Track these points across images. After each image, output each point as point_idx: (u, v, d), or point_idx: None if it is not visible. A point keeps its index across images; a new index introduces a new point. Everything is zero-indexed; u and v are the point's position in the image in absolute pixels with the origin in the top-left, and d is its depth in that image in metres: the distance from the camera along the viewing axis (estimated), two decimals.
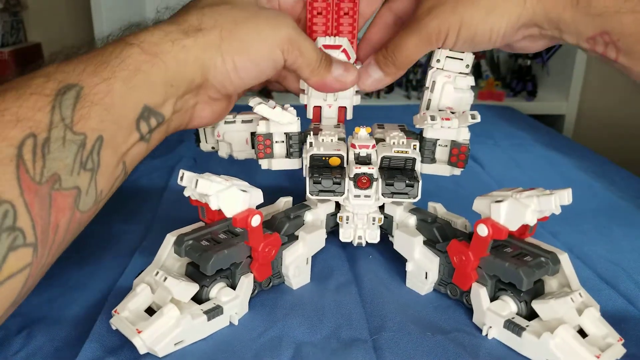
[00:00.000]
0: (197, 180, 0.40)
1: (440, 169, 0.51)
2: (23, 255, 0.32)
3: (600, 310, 0.40)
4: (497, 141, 0.97)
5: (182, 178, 0.42)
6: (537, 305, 0.40)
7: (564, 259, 0.42)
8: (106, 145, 0.36)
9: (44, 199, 0.33)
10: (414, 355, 0.39)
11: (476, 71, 1.54)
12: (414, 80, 1.44)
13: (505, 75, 1.54)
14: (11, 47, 1.38)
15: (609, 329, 0.39)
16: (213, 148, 0.55)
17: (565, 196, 0.40)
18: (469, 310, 0.45)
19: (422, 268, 0.47)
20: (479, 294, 0.42)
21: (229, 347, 0.40)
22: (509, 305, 0.41)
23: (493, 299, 0.42)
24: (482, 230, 0.40)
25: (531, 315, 0.41)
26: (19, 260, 0.32)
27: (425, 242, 0.47)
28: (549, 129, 1.15)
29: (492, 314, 0.41)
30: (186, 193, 0.43)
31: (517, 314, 0.41)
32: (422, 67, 1.46)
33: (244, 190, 0.41)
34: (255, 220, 0.41)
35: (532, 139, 1.00)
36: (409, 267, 0.48)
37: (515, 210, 0.39)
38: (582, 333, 0.39)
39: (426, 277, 0.47)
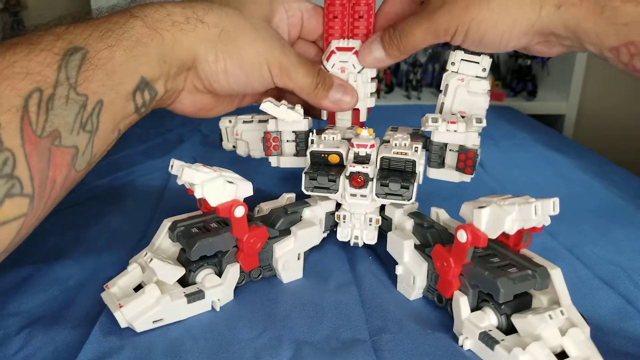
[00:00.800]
0: (183, 168, 0.42)
1: (449, 174, 0.50)
2: (19, 204, 0.33)
3: (600, 309, 0.40)
4: (497, 141, 0.97)
5: (172, 167, 0.44)
6: (515, 319, 0.38)
7: (555, 273, 0.39)
8: (105, 110, 0.38)
9: (44, 153, 0.34)
10: (414, 356, 0.39)
11: None
12: (414, 80, 1.44)
13: (505, 75, 1.54)
14: None
15: (592, 352, 0.36)
16: (234, 147, 0.57)
17: (550, 206, 0.38)
18: None
19: (411, 272, 0.46)
20: (459, 303, 0.41)
21: (229, 346, 0.40)
22: (488, 317, 0.40)
23: (476, 309, 0.41)
24: (462, 236, 0.39)
25: (512, 330, 0.39)
26: (15, 208, 0.33)
27: (416, 247, 0.46)
28: (549, 129, 1.15)
29: (470, 324, 0.40)
30: (179, 182, 0.44)
31: (498, 327, 0.40)
32: (422, 67, 1.46)
33: (230, 182, 0.43)
34: (239, 211, 0.43)
35: (532, 139, 1.00)
36: (398, 270, 0.47)
37: (496, 217, 0.38)
38: (564, 354, 0.37)
39: (414, 282, 0.46)
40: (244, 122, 0.55)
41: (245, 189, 0.44)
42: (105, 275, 0.50)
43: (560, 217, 0.62)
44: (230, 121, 0.56)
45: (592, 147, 1.01)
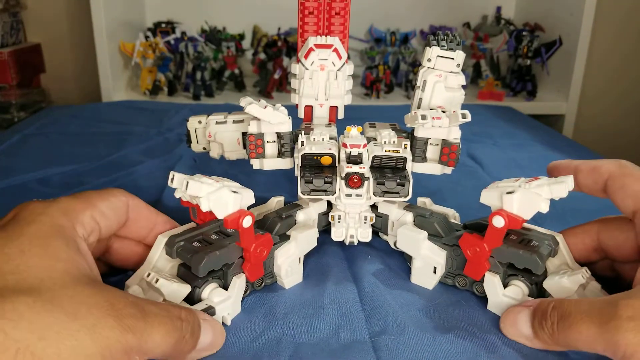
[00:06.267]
0: (187, 182, 0.40)
1: (432, 168, 0.51)
2: None
3: None
4: (497, 141, 0.97)
5: (172, 180, 0.42)
6: (549, 285, 0.42)
7: (561, 240, 0.45)
8: None
9: None
10: (414, 357, 0.39)
11: (476, 71, 1.54)
12: (414, 80, 1.44)
13: (505, 75, 1.54)
14: (11, 47, 1.39)
15: None
16: (204, 149, 0.55)
17: (570, 183, 0.42)
18: (469, 308, 0.45)
19: (430, 263, 0.47)
20: (494, 283, 0.44)
21: (228, 347, 0.40)
22: (521, 290, 0.43)
23: (503, 285, 0.44)
24: (499, 222, 0.41)
25: (540, 295, 0.43)
26: None
27: (427, 237, 0.48)
28: (549, 129, 1.15)
29: (509, 299, 0.43)
30: (177, 195, 0.42)
31: (529, 295, 0.43)
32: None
33: (234, 192, 0.41)
34: (247, 221, 0.41)
35: (532, 139, 1.00)
36: (416, 263, 0.48)
37: (529, 200, 0.41)
38: None
39: (434, 272, 0.47)
40: (217, 122, 0.52)
41: (248, 197, 0.43)
42: (102, 276, 0.50)
43: (560, 217, 0.62)
44: (200, 122, 0.53)
45: (592, 147, 1.01)
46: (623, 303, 0.33)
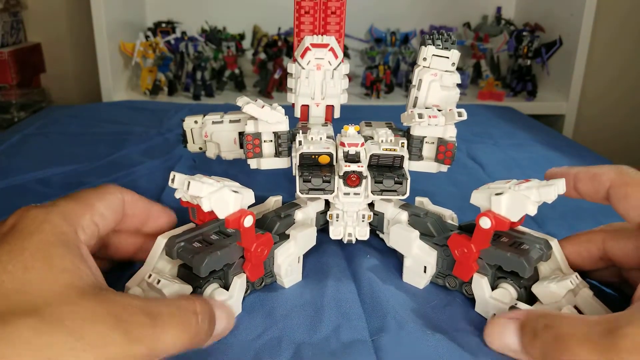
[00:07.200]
0: (188, 182, 0.40)
1: (428, 166, 0.52)
2: None
3: None
4: (497, 141, 0.97)
5: (173, 180, 0.42)
6: (537, 290, 0.42)
7: (555, 244, 0.44)
8: None
9: None
10: (415, 357, 0.39)
11: (476, 71, 1.54)
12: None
13: (506, 75, 1.54)
14: (11, 47, 1.39)
15: (602, 307, 0.41)
16: (201, 149, 0.55)
17: (560, 186, 0.41)
18: (467, 307, 0.45)
19: (421, 262, 0.47)
20: (481, 284, 0.43)
21: (228, 347, 0.40)
22: (509, 293, 0.43)
23: (492, 287, 0.44)
24: (485, 223, 0.41)
25: (529, 300, 0.43)
26: None
27: (420, 237, 0.48)
28: (549, 129, 1.15)
29: (496, 302, 0.43)
30: (177, 195, 0.42)
31: (517, 299, 0.43)
32: None
33: (235, 191, 0.41)
34: (248, 221, 0.41)
35: (532, 139, 1.00)
36: (407, 262, 0.48)
37: (517, 201, 0.40)
38: (578, 312, 0.41)
39: (425, 271, 0.47)
40: (214, 122, 0.52)
41: (248, 197, 0.43)
42: (105, 276, 0.50)
43: (559, 217, 0.62)
44: (196, 122, 0.53)
45: (592, 147, 1.01)
46: (621, 333, 0.32)
